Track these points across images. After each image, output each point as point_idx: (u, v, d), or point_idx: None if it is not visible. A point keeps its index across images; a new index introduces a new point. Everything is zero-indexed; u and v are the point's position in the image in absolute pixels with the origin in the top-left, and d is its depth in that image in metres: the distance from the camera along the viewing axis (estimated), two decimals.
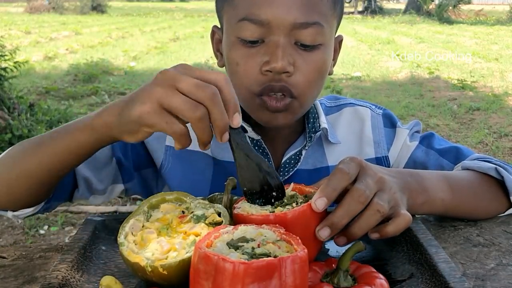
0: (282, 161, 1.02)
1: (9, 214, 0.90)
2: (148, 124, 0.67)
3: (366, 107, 1.12)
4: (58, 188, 0.92)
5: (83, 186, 0.97)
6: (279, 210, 0.72)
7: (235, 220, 0.72)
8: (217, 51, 1.04)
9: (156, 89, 0.66)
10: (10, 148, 0.91)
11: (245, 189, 0.73)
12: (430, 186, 0.86)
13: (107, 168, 1.00)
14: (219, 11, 0.99)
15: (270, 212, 0.71)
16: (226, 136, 0.67)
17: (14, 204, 0.89)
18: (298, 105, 0.94)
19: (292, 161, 1.03)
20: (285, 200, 0.74)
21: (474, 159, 1.02)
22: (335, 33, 1.00)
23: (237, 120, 0.67)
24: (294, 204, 0.72)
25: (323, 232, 0.69)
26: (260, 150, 1.02)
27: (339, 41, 1.03)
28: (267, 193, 0.73)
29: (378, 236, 0.72)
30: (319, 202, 0.69)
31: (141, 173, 1.04)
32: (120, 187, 1.03)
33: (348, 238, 0.71)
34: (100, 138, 0.76)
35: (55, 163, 0.82)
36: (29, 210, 0.91)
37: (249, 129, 1.00)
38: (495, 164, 0.97)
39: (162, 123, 0.66)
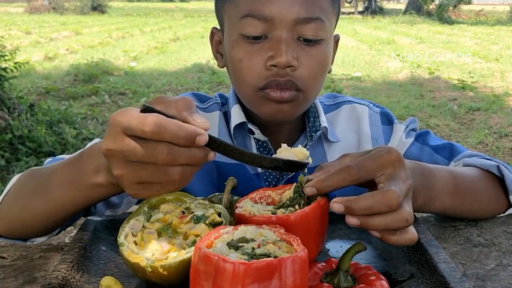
0: None
1: (28, 242, 0.90)
2: (145, 197, 0.68)
3: (364, 104, 1.14)
4: None
5: (100, 203, 0.97)
6: (281, 212, 0.72)
7: (237, 220, 0.72)
8: (217, 53, 1.04)
9: (120, 173, 0.64)
10: (20, 179, 0.89)
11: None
12: (435, 188, 0.85)
13: None
14: (219, 11, 0.99)
15: (273, 214, 0.71)
16: (212, 154, 0.65)
17: (29, 236, 0.89)
18: (302, 98, 0.94)
19: None
20: (287, 202, 0.74)
21: (468, 156, 1.02)
22: (334, 30, 1.01)
23: (202, 141, 0.62)
24: (296, 206, 0.72)
25: (337, 207, 0.66)
26: (265, 152, 1.03)
27: (335, 40, 1.04)
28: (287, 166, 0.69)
29: (378, 236, 0.69)
30: (308, 189, 0.69)
31: None
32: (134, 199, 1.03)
33: (362, 224, 0.67)
34: (114, 191, 0.75)
35: (71, 209, 0.81)
36: (45, 238, 0.90)
37: (257, 131, 1.01)
38: (496, 162, 0.97)
39: (154, 193, 0.66)
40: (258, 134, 1.01)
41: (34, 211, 0.83)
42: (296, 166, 0.70)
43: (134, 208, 0.77)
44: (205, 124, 0.64)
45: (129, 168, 0.63)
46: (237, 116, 1.01)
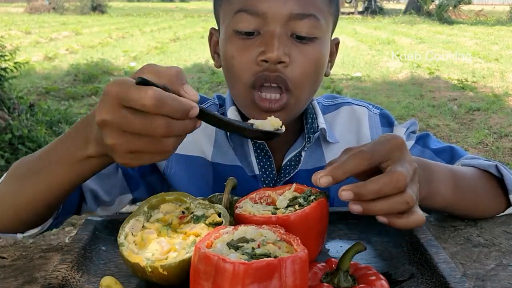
0: (283, 163, 1.02)
1: (19, 236, 0.89)
2: (137, 165, 0.67)
3: (364, 106, 1.12)
4: (65, 203, 0.92)
5: (90, 199, 0.97)
6: (281, 212, 0.72)
7: (237, 220, 0.72)
8: (214, 53, 1.04)
9: (113, 143, 0.64)
10: (11, 168, 0.89)
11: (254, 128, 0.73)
12: (436, 182, 0.85)
13: (112, 179, 1.00)
14: (216, 10, 0.99)
15: (273, 214, 0.71)
16: (199, 123, 0.66)
17: (22, 226, 0.88)
18: (293, 102, 0.92)
19: (293, 163, 1.03)
20: (288, 202, 0.74)
21: (467, 159, 1.02)
22: (332, 34, 1.00)
23: (194, 113, 0.63)
24: (296, 206, 0.72)
25: (346, 194, 0.65)
26: (263, 153, 1.02)
27: (335, 43, 1.03)
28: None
29: (385, 221, 0.68)
30: (323, 180, 0.66)
31: (147, 179, 1.05)
32: (128, 197, 1.04)
33: (364, 210, 0.67)
34: (106, 162, 0.75)
35: (61, 190, 0.81)
36: (37, 229, 0.90)
37: None
38: (494, 162, 0.97)
39: (146, 162, 0.66)
40: None
41: (25, 195, 0.82)
42: (273, 135, 0.74)
43: (129, 208, 0.78)
44: (196, 96, 0.65)
45: (123, 139, 0.63)
46: (233, 117, 1.01)
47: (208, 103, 1.10)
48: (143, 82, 0.62)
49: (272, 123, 0.74)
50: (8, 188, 0.87)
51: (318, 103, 1.10)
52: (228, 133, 1.02)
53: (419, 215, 0.69)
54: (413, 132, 1.12)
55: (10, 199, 0.85)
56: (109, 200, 1.00)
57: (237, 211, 0.73)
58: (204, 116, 0.66)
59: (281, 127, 0.74)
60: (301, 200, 0.73)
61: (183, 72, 0.67)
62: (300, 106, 0.97)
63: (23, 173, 0.85)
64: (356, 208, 0.67)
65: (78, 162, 0.74)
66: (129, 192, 1.03)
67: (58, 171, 0.77)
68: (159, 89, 0.62)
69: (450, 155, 1.05)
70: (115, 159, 0.67)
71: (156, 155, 0.65)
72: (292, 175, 1.02)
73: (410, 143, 1.08)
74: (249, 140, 1.03)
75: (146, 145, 0.63)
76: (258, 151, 1.02)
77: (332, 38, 1.01)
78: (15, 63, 4.83)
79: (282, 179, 1.02)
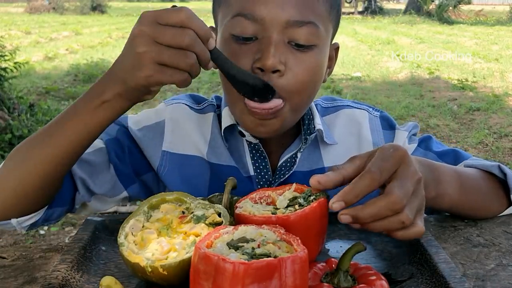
0: (278, 164, 1.02)
1: (13, 221, 0.90)
2: (156, 83, 0.75)
3: (364, 109, 1.11)
4: (58, 193, 0.92)
5: (81, 187, 0.97)
6: (281, 212, 0.72)
7: (237, 220, 0.72)
8: None
9: (144, 50, 0.72)
10: (16, 147, 0.90)
11: (242, 93, 0.84)
12: (443, 182, 0.85)
13: (104, 174, 0.99)
14: (215, 11, 0.98)
15: (273, 214, 0.71)
16: (211, 64, 0.77)
17: (18, 205, 0.88)
18: (288, 110, 0.90)
19: (288, 164, 1.02)
20: (288, 202, 0.74)
21: (472, 161, 1.02)
22: (331, 40, 0.98)
23: (212, 44, 0.76)
24: (296, 206, 0.72)
25: (345, 218, 0.66)
26: (258, 154, 1.02)
27: (335, 48, 1.01)
28: (261, 91, 0.84)
29: (384, 232, 0.70)
30: (335, 205, 0.66)
31: (142, 178, 1.05)
32: (122, 193, 1.03)
33: (362, 227, 0.68)
34: (116, 109, 0.81)
35: (68, 149, 0.84)
36: (31, 215, 0.90)
37: (246, 133, 0.98)
38: (497, 163, 0.97)
39: (167, 78, 0.73)
40: (248, 136, 0.99)
41: (32, 160, 0.85)
42: (271, 90, 0.85)
43: (128, 208, 0.78)
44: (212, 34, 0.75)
45: (154, 47, 0.72)
46: (227, 118, 1.00)
47: (205, 103, 1.09)
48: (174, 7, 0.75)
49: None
50: (14, 158, 0.88)
51: (316, 104, 1.09)
52: (223, 132, 1.02)
53: (419, 227, 0.69)
54: (415, 134, 1.11)
55: (16, 171, 0.86)
56: (101, 192, 1.00)
57: (237, 211, 0.73)
58: (216, 54, 0.77)
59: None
60: (301, 200, 0.73)
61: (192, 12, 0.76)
62: (297, 114, 0.95)
63: (28, 143, 0.87)
64: (355, 226, 0.69)
65: (94, 109, 0.80)
66: (123, 189, 1.02)
67: (67, 130, 0.82)
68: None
69: (453, 158, 1.05)
70: (140, 68, 0.73)
71: (176, 73, 0.73)
72: (287, 176, 1.01)
73: (412, 146, 1.07)
74: (244, 141, 1.02)
75: (173, 56, 0.72)
76: (254, 151, 1.02)
77: (332, 43, 1.00)
78: (15, 63, 4.83)
79: (277, 180, 1.02)
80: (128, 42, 0.75)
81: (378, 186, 0.68)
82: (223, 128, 1.01)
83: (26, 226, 0.92)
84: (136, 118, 1.06)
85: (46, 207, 0.92)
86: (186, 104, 1.08)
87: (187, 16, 0.72)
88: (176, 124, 1.05)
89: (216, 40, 0.97)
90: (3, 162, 0.91)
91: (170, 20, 0.72)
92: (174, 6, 0.75)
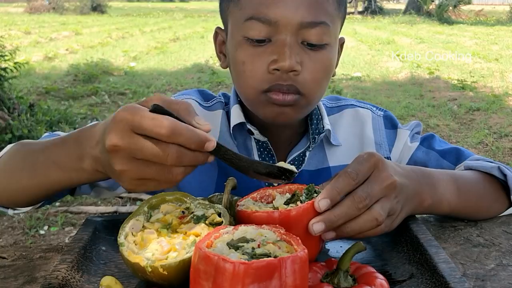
0: (286, 162, 1.02)
1: (10, 211, 0.92)
2: (140, 191, 0.69)
3: (367, 108, 1.12)
4: None
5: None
6: (282, 207, 0.72)
7: (238, 218, 0.72)
8: (220, 53, 1.03)
9: (122, 169, 0.65)
10: (7, 152, 0.90)
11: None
12: (440, 188, 0.86)
13: None
14: (224, 11, 0.98)
15: (274, 209, 0.71)
16: (211, 158, 0.68)
17: (15, 205, 0.91)
18: (304, 102, 0.93)
19: (296, 163, 1.03)
20: (287, 199, 0.75)
21: (474, 160, 1.02)
22: (339, 34, 1.00)
23: (210, 147, 0.65)
24: (298, 202, 0.73)
25: (317, 227, 0.69)
26: (266, 152, 1.03)
27: (340, 43, 1.03)
28: (276, 176, 0.75)
29: (361, 235, 0.74)
30: (322, 203, 0.69)
31: None
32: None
33: (338, 235, 0.72)
34: (94, 179, 0.78)
35: (55, 188, 0.83)
36: (30, 208, 0.91)
37: (255, 131, 1.00)
38: (496, 164, 0.97)
39: (153, 187, 0.67)
40: (257, 134, 1.00)
41: (18, 184, 0.85)
42: (288, 173, 0.75)
43: (128, 208, 0.78)
44: (207, 126, 0.67)
45: (133, 165, 0.64)
46: (236, 116, 1.01)
47: (214, 100, 1.10)
48: (158, 110, 0.63)
49: (285, 167, 0.75)
50: (3, 172, 0.88)
51: (322, 104, 1.10)
52: (232, 132, 1.02)
53: (382, 226, 0.73)
54: (417, 133, 1.11)
55: (4, 183, 0.87)
56: (102, 186, 1.00)
57: (238, 208, 0.73)
58: (220, 150, 0.67)
59: (295, 173, 0.75)
60: (302, 197, 0.74)
61: (191, 106, 0.69)
62: (310, 106, 0.98)
63: (19, 162, 0.87)
64: (329, 235, 0.72)
65: (72, 170, 0.76)
66: None
67: (52, 172, 0.79)
68: (174, 118, 0.63)
69: (456, 156, 1.05)
70: (121, 183, 0.67)
71: (163, 183, 0.66)
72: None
73: (415, 145, 1.08)
74: (253, 139, 1.03)
75: (155, 173, 0.64)
76: (261, 149, 1.03)
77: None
78: (15, 63, 4.83)
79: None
80: (105, 150, 0.65)
81: (355, 186, 0.72)
82: (231, 126, 1.02)
83: (22, 214, 0.93)
84: None
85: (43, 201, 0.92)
86: (195, 101, 1.08)
87: (171, 130, 0.62)
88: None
89: (227, 39, 0.97)
90: None
91: (151, 133, 0.62)
92: (155, 105, 0.63)
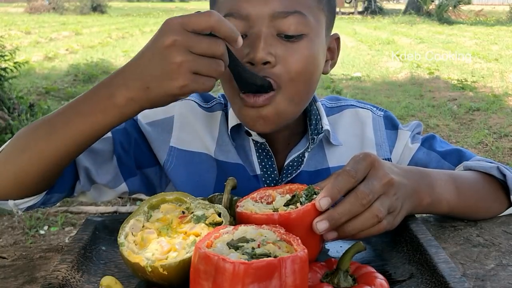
0: (285, 163, 1.02)
1: (10, 203, 0.90)
2: (190, 92, 0.74)
3: (367, 109, 1.11)
4: (59, 179, 0.92)
5: (83, 176, 0.97)
6: (282, 209, 0.72)
7: (238, 219, 0.72)
8: None
9: (181, 60, 0.71)
10: (19, 131, 0.89)
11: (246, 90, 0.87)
12: (438, 187, 0.86)
13: (107, 165, 1.00)
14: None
15: (274, 212, 0.71)
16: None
17: (18, 190, 0.88)
18: (283, 99, 0.90)
19: (295, 164, 1.02)
20: (287, 201, 0.75)
21: (474, 161, 1.02)
22: (330, 30, 0.98)
23: (240, 43, 0.74)
24: (298, 204, 0.73)
25: (322, 225, 0.69)
26: (264, 153, 1.02)
27: (335, 38, 1.01)
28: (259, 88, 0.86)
29: (363, 235, 0.74)
30: (323, 201, 0.70)
31: (144, 171, 1.04)
32: (122, 186, 1.03)
33: (340, 234, 0.72)
34: (125, 114, 0.78)
35: (72, 147, 0.82)
36: (30, 199, 0.90)
37: (253, 133, 0.98)
38: (495, 164, 0.97)
39: (200, 86, 0.74)
40: (255, 135, 1.00)
41: (32, 150, 0.83)
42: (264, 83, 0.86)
43: (128, 208, 0.78)
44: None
45: (190, 57, 0.71)
46: (234, 117, 1.01)
47: (214, 102, 1.09)
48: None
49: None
50: (14, 146, 0.87)
51: (321, 104, 1.09)
52: (230, 133, 1.02)
53: (384, 223, 0.74)
54: (418, 133, 1.11)
55: (15, 158, 0.86)
56: (102, 182, 1.00)
57: (238, 209, 0.73)
58: (233, 54, 0.79)
59: None
60: (302, 199, 0.73)
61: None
62: (296, 105, 0.94)
63: (31, 133, 0.86)
64: (331, 235, 0.72)
65: (101, 112, 0.78)
66: (122, 180, 1.02)
67: (76, 123, 0.80)
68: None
69: (457, 158, 1.05)
70: (175, 82, 0.72)
71: (208, 81, 0.74)
72: (294, 175, 1.02)
73: (416, 146, 1.07)
74: (251, 140, 1.02)
75: (208, 65, 0.72)
76: (260, 151, 1.02)
77: (331, 34, 1.00)
78: (15, 63, 4.83)
79: (284, 179, 1.02)
80: (158, 51, 0.72)
81: (356, 184, 0.73)
82: (229, 127, 1.01)
83: (23, 208, 0.92)
84: (146, 112, 1.05)
85: (45, 192, 0.92)
86: (195, 102, 1.08)
87: (217, 21, 0.71)
88: (185, 121, 1.05)
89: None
90: (6, 144, 0.90)
91: (199, 27, 0.71)
92: (198, 12, 0.74)
